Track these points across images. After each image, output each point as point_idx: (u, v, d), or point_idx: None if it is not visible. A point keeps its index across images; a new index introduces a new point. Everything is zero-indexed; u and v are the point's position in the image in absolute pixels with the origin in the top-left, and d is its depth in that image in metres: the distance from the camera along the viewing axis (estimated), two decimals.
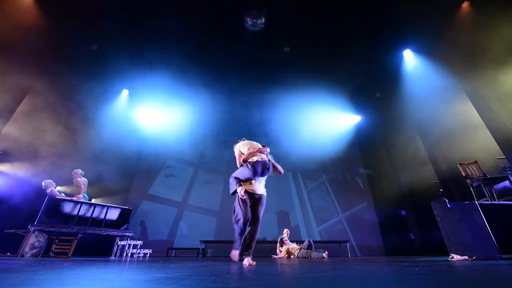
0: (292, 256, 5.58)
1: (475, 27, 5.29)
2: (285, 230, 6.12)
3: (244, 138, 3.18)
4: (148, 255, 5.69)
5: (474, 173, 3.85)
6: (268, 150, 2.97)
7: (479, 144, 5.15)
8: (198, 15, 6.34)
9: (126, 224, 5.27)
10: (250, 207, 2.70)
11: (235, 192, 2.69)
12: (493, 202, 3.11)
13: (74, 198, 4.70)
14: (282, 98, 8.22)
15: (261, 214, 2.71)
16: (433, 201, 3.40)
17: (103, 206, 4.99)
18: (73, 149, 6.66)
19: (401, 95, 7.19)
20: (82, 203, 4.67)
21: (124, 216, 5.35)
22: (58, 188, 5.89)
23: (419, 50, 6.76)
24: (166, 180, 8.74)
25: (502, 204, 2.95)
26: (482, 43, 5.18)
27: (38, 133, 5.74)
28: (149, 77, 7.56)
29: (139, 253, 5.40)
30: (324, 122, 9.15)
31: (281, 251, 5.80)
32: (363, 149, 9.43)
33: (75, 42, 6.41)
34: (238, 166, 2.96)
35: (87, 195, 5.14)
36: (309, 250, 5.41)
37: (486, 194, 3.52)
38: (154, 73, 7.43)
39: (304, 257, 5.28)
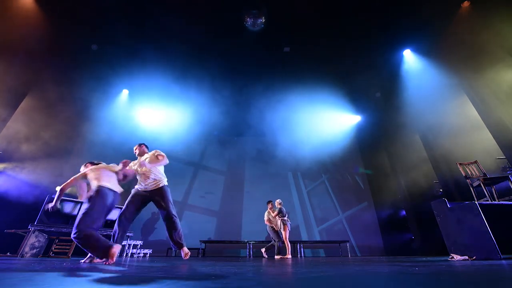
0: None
1: (475, 27, 5.29)
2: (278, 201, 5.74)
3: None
4: (148, 255, 5.69)
5: (474, 173, 3.84)
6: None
7: (479, 144, 5.15)
8: (198, 14, 6.34)
9: None
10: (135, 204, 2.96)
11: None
12: (493, 202, 3.11)
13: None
14: (282, 98, 8.22)
15: None
16: (433, 201, 3.40)
17: None
18: (73, 149, 6.66)
19: (401, 95, 7.19)
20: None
21: None
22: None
23: (419, 50, 6.76)
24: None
25: (502, 204, 2.95)
26: (482, 43, 5.18)
27: (38, 133, 5.74)
28: (149, 77, 7.56)
29: (139, 253, 5.39)
30: (324, 122, 9.14)
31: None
32: (363, 149, 9.42)
33: (75, 42, 6.42)
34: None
35: None
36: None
37: (486, 194, 3.52)
38: (154, 73, 7.42)
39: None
